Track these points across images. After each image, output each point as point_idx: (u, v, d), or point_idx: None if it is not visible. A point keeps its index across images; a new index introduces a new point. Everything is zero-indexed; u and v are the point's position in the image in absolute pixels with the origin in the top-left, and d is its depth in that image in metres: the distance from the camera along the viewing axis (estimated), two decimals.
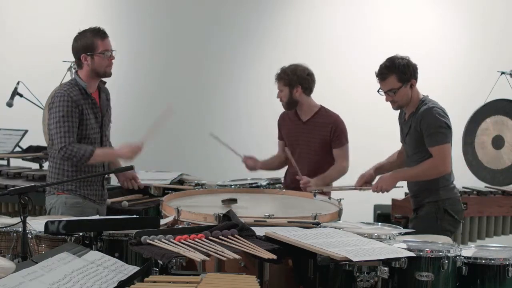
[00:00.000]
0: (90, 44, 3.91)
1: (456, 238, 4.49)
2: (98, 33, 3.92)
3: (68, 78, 5.37)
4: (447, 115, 3.96)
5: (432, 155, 3.90)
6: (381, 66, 3.98)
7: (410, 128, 4.01)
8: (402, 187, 4.13)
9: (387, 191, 4.02)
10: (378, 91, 4.02)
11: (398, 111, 4.16)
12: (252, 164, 4.78)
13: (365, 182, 4.20)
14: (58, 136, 3.87)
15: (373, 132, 6.26)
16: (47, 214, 3.99)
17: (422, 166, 3.94)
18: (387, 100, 4.01)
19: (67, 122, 3.87)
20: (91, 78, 3.97)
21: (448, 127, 3.91)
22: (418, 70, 4.01)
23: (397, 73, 3.91)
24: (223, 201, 3.79)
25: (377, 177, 4.14)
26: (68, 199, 3.95)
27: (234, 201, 3.79)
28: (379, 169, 4.25)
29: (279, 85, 4.55)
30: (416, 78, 3.98)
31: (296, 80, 4.48)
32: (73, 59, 5.33)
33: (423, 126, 3.91)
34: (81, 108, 3.91)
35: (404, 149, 4.19)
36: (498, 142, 4.94)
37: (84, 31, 3.96)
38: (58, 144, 3.87)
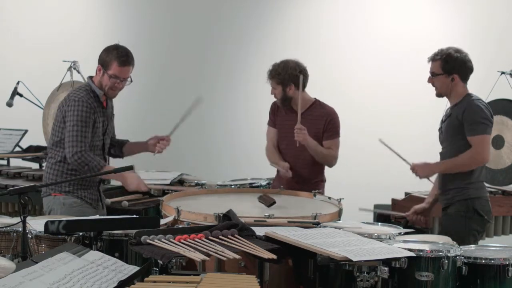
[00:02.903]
0: (108, 62, 3.94)
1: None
2: (120, 58, 3.93)
3: (68, 78, 5.38)
4: (491, 112, 4.02)
5: (472, 144, 3.92)
6: (439, 49, 4.07)
7: (449, 116, 4.04)
8: (433, 182, 4.19)
9: (420, 177, 4.09)
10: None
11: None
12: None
13: (417, 213, 4.24)
14: (73, 140, 3.87)
15: (373, 131, 6.23)
16: (47, 215, 3.98)
17: (462, 157, 3.96)
18: (428, 81, 4.08)
19: (84, 128, 3.89)
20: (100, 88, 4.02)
21: (491, 122, 3.98)
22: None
23: (442, 61, 4.01)
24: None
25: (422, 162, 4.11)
26: (66, 199, 3.96)
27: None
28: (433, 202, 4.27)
29: (272, 83, 4.49)
30: (460, 76, 4.02)
31: (288, 78, 4.41)
32: (73, 59, 5.39)
33: (465, 115, 3.94)
34: (95, 116, 3.94)
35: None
36: (498, 142, 4.94)
37: (115, 48, 3.97)
38: (72, 147, 3.87)
